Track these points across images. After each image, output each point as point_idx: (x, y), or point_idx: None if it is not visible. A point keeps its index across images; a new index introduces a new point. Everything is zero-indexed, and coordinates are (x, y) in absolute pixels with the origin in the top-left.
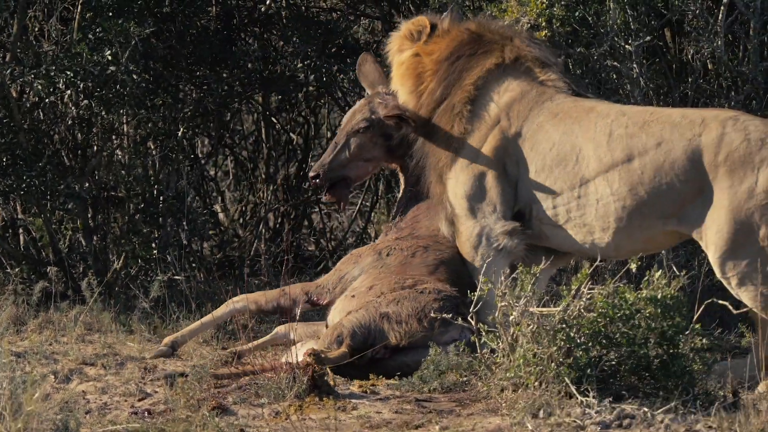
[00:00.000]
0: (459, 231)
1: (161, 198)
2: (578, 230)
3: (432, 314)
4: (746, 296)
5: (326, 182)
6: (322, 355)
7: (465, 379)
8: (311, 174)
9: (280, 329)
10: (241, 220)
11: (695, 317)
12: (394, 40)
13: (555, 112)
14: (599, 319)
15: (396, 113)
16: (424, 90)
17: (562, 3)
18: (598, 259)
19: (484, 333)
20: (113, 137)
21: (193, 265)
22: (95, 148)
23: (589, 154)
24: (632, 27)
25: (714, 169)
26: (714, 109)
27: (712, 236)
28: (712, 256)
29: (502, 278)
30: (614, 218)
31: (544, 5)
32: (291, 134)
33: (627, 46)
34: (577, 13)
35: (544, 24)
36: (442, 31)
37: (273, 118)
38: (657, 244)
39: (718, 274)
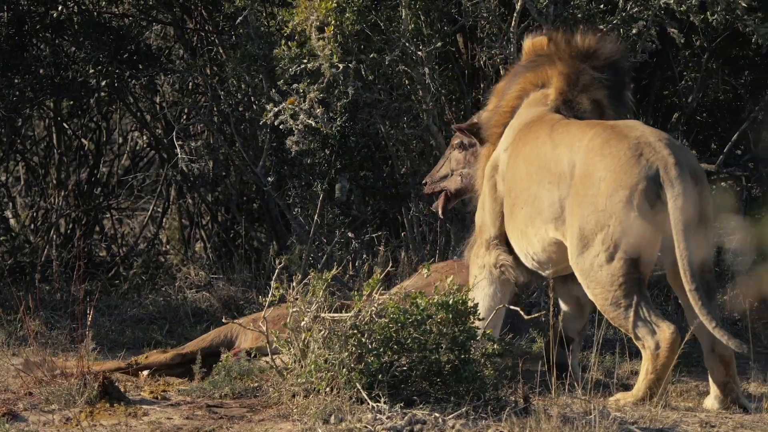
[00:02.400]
0: None
1: None
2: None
3: None
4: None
5: (430, 191)
6: None
7: (256, 384)
8: (423, 182)
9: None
10: (32, 226)
11: (486, 323)
12: None
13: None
14: (391, 325)
15: (456, 126)
16: (493, 109)
17: (354, 8)
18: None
19: (275, 338)
20: None
21: None
22: None
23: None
24: (424, 33)
25: None
26: None
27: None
28: None
29: None
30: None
31: (333, 6)
32: (83, 140)
33: (419, 52)
34: (369, 18)
35: (333, 22)
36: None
37: (64, 124)
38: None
39: None
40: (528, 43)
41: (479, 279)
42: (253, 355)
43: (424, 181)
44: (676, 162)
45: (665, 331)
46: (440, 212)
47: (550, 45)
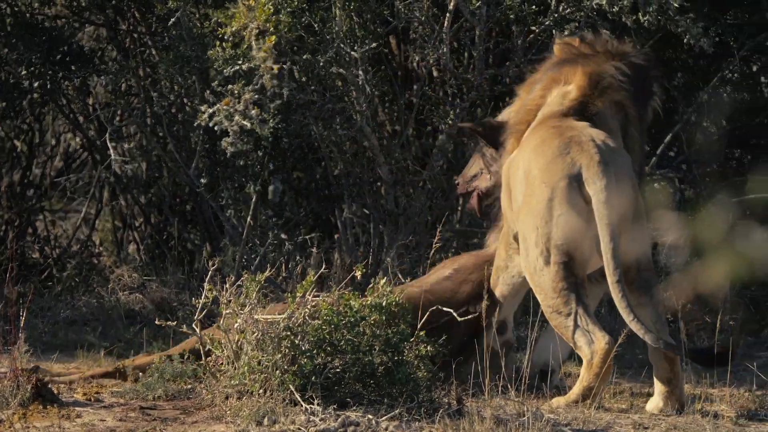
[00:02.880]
0: None
1: None
2: None
3: None
4: None
5: (462, 191)
6: None
7: (190, 386)
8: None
9: None
10: None
11: (420, 324)
12: None
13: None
14: (324, 327)
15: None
16: (518, 107)
17: (288, 10)
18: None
19: (208, 340)
20: None
21: None
22: None
23: None
24: (358, 34)
25: None
26: None
27: None
28: None
29: None
30: None
31: (271, 11)
32: (15, 141)
33: (353, 53)
34: (303, 20)
35: (272, 29)
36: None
37: None
38: None
39: None
40: (559, 43)
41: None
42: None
43: (456, 181)
44: (600, 160)
45: (600, 341)
46: (477, 212)
47: (581, 45)
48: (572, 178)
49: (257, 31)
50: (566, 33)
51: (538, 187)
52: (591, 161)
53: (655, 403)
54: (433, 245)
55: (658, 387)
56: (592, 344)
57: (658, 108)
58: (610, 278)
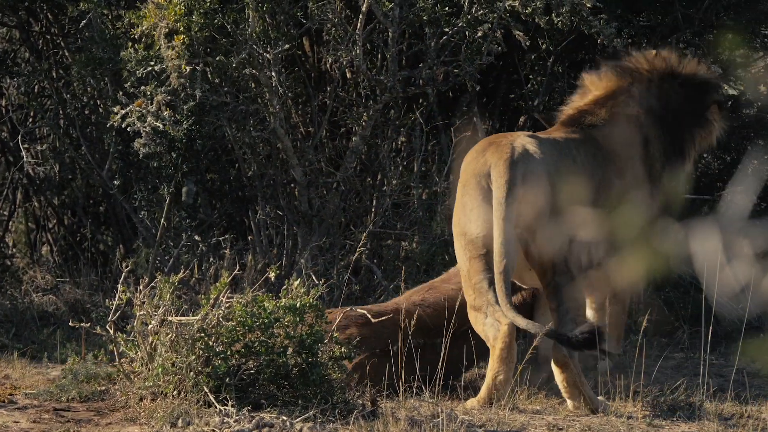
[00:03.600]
0: None
1: None
2: None
3: None
4: None
5: None
6: None
7: (104, 388)
8: None
9: None
10: None
11: (334, 326)
12: None
13: None
14: (238, 328)
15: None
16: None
17: (201, 11)
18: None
19: (122, 342)
20: None
21: None
22: None
23: None
24: (271, 35)
25: None
26: None
27: None
28: None
29: None
30: None
31: (183, 11)
32: None
33: (266, 55)
34: (215, 21)
35: (182, 29)
36: None
37: None
38: None
39: None
40: (633, 53)
41: None
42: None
43: None
44: (507, 159)
45: (502, 326)
46: None
47: (643, 59)
48: (481, 176)
49: (166, 30)
50: (479, 34)
51: (458, 185)
52: (498, 160)
53: (569, 403)
54: (356, 249)
55: (563, 391)
56: (498, 332)
57: (721, 134)
58: (496, 268)
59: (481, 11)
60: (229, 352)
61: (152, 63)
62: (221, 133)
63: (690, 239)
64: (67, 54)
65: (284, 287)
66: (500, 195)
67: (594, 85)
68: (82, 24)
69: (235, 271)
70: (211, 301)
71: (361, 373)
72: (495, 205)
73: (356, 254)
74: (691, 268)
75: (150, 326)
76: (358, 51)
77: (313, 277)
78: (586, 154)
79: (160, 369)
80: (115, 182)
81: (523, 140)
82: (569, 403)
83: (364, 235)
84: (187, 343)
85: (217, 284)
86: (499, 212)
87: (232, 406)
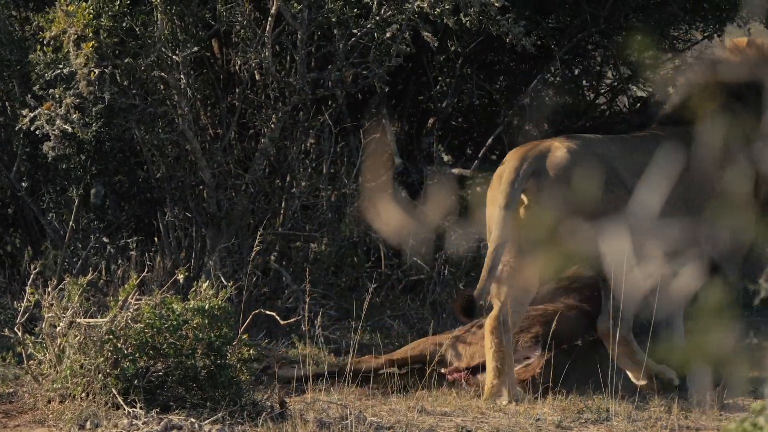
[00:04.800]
0: None
1: None
2: None
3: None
4: None
5: None
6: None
7: (12, 390)
8: None
9: None
10: None
11: (242, 328)
12: None
13: None
14: (146, 330)
15: None
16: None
17: (110, 13)
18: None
19: (30, 344)
20: None
21: None
22: None
23: None
24: (179, 38)
25: None
26: None
27: None
28: None
29: None
30: None
31: (92, 16)
32: None
33: (174, 57)
34: (124, 24)
35: (91, 35)
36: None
37: None
38: None
39: None
40: (729, 44)
41: None
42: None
43: None
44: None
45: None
46: None
47: (741, 48)
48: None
49: (75, 36)
50: (388, 35)
51: None
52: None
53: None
54: (258, 248)
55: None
56: None
57: None
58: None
59: (390, 12)
60: (137, 354)
61: (61, 66)
62: (130, 135)
63: (599, 239)
64: None
65: (193, 289)
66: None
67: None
68: None
69: (144, 273)
70: (120, 303)
71: (550, 370)
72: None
73: (258, 255)
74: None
75: (58, 328)
76: (267, 53)
77: (222, 279)
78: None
79: (68, 371)
80: (24, 184)
81: (549, 146)
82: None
83: (272, 237)
84: (95, 345)
85: (126, 286)
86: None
87: (141, 408)
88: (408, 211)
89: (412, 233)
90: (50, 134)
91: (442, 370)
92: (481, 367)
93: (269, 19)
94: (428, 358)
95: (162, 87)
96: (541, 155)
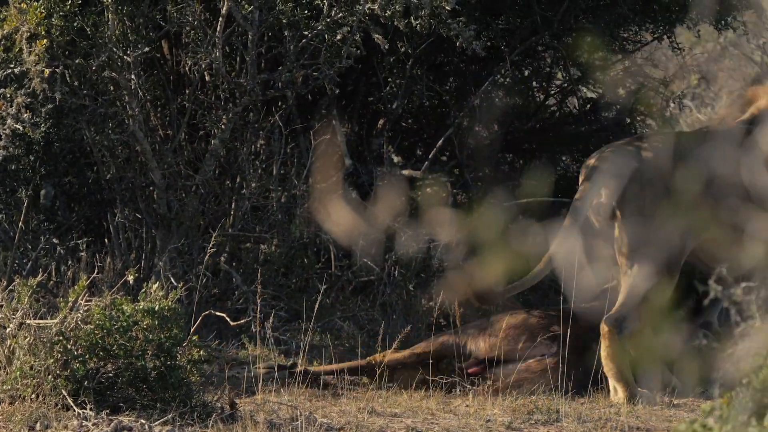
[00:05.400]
0: None
1: None
2: None
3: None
4: None
5: None
6: None
7: None
8: None
9: None
10: None
11: (192, 329)
12: None
13: None
14: (96, 331)
15: None
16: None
17: (61, 13)
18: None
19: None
20: None
21: None
22: None
23: None
24: (130, 38)
25: None
26: None
27: None
28: None
29: None
30: None
31: (44, 14)
32: None
33: (125, 58)
34: (75, 24)
35: (43, 33)
36: None
37: None
38: None
39: None
40: None
41: None
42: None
43: None
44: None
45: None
46: None
47: None
48: None
49: (28, 34)
50: (338, 37)
51: None
52: None
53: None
54: (208, 250)
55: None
56: None
57: None
58: None
59: (341, 14)
60: (87, 356)
61: (12, 65)
62: (80, 136)
63: (550, 241)
64: None
65: (143, 290)
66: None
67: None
68: None
69: (94, 274)
70: (70, 304)
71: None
72: None
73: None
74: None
75: (8, 330)
76: (217, 54)
77: (172, 280)
78: None
79: (18, 372)
80: None
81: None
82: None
83: (222, 238)
84: (45, 347)
85: (76, 287)
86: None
87: (91, 409)
88: (358, 212)
89: (362, 234)
90: (1, 134)
91: (461, 365)
92: (497, 361)
93: (220, 20)
94: (450, 349)
95: (112, 87)
96: None
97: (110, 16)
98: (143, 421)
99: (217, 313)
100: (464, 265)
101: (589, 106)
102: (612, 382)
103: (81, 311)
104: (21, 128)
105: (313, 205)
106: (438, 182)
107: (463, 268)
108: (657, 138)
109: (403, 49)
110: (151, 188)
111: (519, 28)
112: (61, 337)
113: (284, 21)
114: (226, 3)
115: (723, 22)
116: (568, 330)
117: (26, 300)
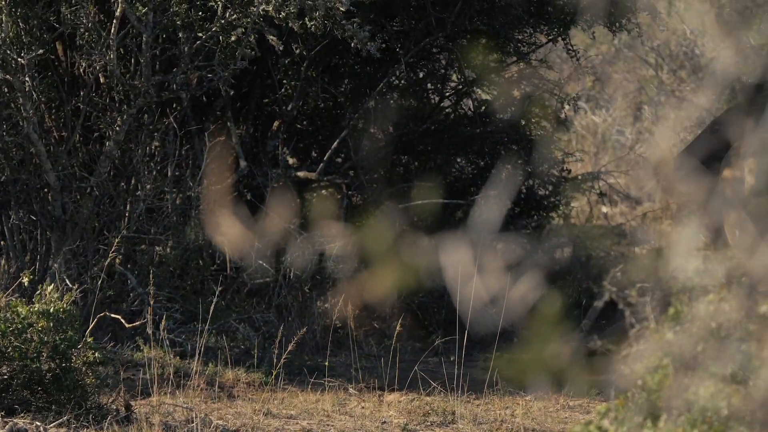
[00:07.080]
0: None
1: None
2: None
3: None
4: None
5: None
6: None
7: None
8: None
9: None
10: None
11: (88, 331)
12: None
13: None
14: None
15: None
16: None
17: None
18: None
19: None
20: None
21: None
22: None
23: None
24: (24, 40)
25: None
26: None
27: None
28: None
29: None
30: None
31: None
32: None
33: (19, 60)
34: None
35: None
36: None
37: None
38: None
39: None
40: None
41: None
42: None
43: None
44: None
45: None
46: None
47: None
48: None
49: None
50: (233, 39)
51: None
52: None
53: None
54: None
55: None
56: None
57: None
58: None
59: (235, 16)
60: None
61: None
62: None
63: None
64: None
65: (38, 292)
66: None
67: None
68: None
69: None
70: None
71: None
72: None
73: (109, 259)
74: (441, 280)
75: None
76: (111, 56)
77: (67, 282)
78: None
79: None
80: None
81: None
82: None
83: (117, 240)
84: None
85: None
86: None
87: None
88: (247, 225)
89: (252, 246)
90: None
91: None
92: None
93: (114, 21)
94: None
95: (6, 89)
96: None
97: (3, 17)
98: (38, 423)
99: (113, 315)
100: (355, 275)
101: (483, 108)
102: None
103: None
104: None
105: (207, 210)
106: (333, 184)
107: (355, 279)
108: None
109: (298, 51)
110: (45, 190)
111: (413, 30)
112: None
113: (178, 23)
114: (120, 5)
115: (617, 24)
116: None
117: None
